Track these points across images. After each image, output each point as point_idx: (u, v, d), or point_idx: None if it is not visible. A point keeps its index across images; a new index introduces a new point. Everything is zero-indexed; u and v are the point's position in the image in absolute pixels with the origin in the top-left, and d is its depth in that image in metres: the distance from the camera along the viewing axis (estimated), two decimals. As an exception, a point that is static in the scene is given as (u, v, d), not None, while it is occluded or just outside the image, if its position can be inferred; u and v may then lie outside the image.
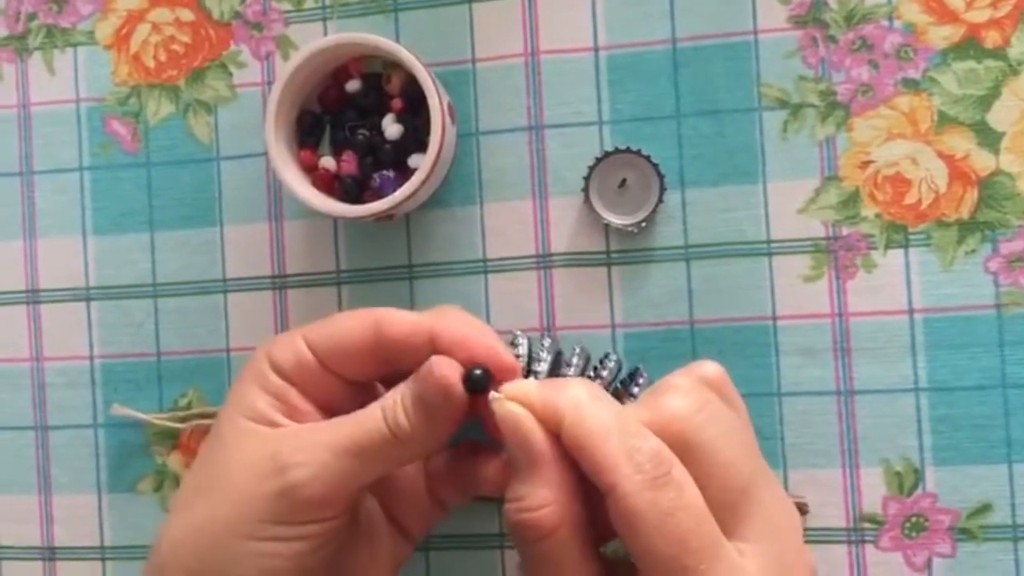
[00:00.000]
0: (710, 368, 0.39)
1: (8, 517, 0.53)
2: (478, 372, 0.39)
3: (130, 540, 0.52)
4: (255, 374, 0.41)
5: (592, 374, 0.46)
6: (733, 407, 0.39)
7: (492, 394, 0.37)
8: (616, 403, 0.37)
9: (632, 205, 0.48)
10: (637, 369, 0.46)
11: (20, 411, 0.53)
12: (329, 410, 0.41)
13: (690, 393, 0.37)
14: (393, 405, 0.39)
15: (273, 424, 0.41)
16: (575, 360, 0.45)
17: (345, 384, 0.42)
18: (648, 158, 0.47)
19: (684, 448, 0.35)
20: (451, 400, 0.38)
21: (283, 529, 0.38)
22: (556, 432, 0.36)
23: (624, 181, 0.47)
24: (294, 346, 0.41)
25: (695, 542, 0.34)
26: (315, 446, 0.39)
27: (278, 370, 0.41)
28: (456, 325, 0.40)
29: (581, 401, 0.36)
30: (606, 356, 0.46)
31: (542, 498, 0.36)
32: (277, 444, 0.39)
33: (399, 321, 0.40)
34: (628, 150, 0.47)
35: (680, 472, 0.35)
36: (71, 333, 0.53)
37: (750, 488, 0.36)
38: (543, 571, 0.36)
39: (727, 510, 0.35)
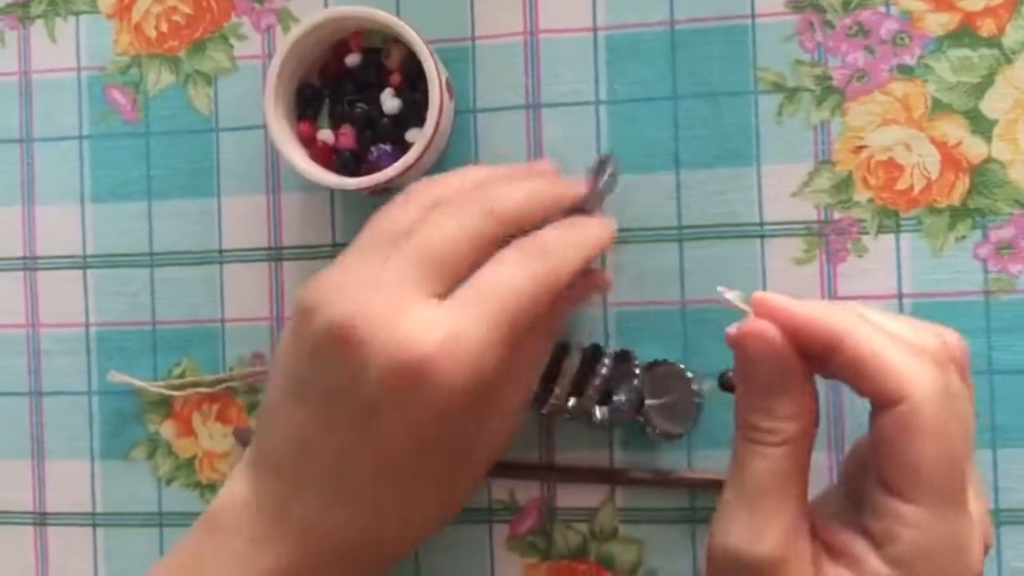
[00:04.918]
0: (953, 339, 0.39)
1: (0, 482, 0.53)
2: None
3: (121, 507, 0.52)
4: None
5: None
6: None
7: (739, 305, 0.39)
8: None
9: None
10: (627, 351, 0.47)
11: (15, 377, 0.53)
12: None
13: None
14: None
15: None
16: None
17: None
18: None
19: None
20: None
21: None
22: (828, 349, 0.36)
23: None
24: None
25: (959, 465, 0.35)
26: None
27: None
28: None
29: (865, 317, 0.37)
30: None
31: (791, 411, 0.37)
32: None
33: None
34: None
35: (958, 384, 0.36)
36: (67, 300, 0.53)
37: (970, 457, 0.37)
38: (774, 477, 0.37)
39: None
